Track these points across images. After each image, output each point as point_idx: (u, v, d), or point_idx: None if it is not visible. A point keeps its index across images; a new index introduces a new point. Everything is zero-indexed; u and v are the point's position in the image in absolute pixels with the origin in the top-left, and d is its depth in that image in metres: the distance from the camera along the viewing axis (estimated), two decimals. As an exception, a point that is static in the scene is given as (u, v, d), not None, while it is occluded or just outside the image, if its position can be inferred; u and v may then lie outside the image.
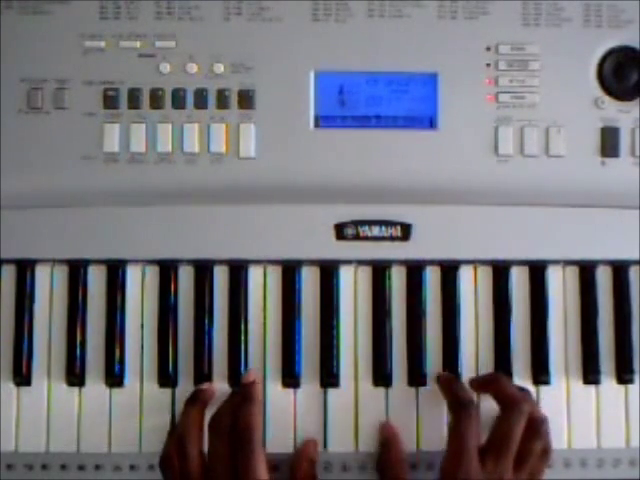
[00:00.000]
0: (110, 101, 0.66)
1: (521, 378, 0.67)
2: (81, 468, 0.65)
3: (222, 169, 0.66)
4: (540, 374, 0.67)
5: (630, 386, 0.67)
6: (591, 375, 0.67)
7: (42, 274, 0.67)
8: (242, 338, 0.67)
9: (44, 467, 0.65)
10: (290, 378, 0.66)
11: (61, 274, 0.67)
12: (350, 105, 0.67)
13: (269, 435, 0.66)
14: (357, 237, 0.67)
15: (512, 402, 0.62)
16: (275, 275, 0.67)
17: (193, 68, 0.66)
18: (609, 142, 0.67)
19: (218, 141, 0.66)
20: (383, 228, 0.67)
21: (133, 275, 0.67)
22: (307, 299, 0.67)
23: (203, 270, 0.67)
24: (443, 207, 0.67)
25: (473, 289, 0.68)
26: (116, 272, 0.67)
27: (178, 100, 0.66)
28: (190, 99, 0.66)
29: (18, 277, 0.67)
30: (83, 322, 0.67)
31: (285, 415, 0.66)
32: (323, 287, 0.67)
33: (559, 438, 0.66)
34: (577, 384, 0.67)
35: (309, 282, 0.67)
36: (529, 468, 0.62)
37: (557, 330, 0.68)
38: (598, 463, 0.66)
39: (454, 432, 0.62)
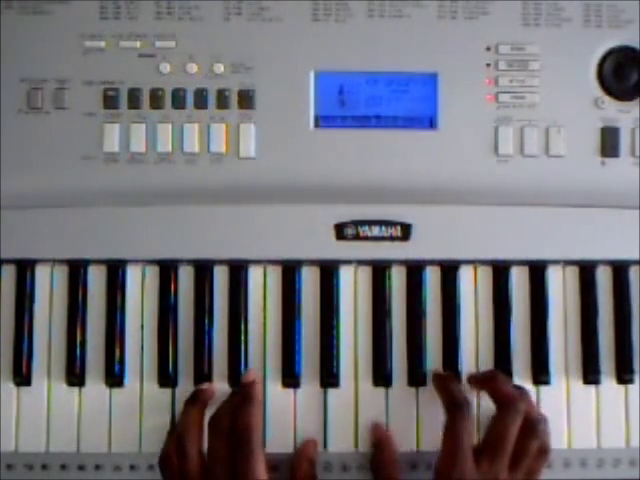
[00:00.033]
0: (110, 101, 0.66)
1: (521, 378, 0.67)
2: (81, 468, 0.65)
3: (222, 169, 0.66)
4: (540, 374, 0.67)
5: (630, 386, 0.67)
6: (591, 375, 0.67)
7: (42, 274, 0.67)
8: (242, 338, 0.67)
9: (44, 467, 0.65)
10: (290, 378, 0.66)
11: (61, 274, 0.67)
12: (350, 105, 0.67)
13: (269, 435, 0.66)
14: (357, 237, 0.67)
15: (508, 401, 0.62)
16: (275, 275, 0.67)
17: (193, 68, 0.66)
18: (609, 142, 0.67)
19: (218, 141, 0.66)
20: (383, 228, 0.67)
21: (133, 275, 0.67)
22: (307, 299, 0.67)
23: (203, 270, 0.67)
24: (443, 207, 0.67)
25: (473, 289, 0.68)
26: (116, 272, 0.67)
27: (178, 100, 0.66)
28: (190, 99, 0.66)
29: (18, 277, 0.67)
30: (83, 322, 0.67)
31: (285, 415, 0.66)
32: (323, 287, 0.67)
33: (559, 438, 0.66)
34: (577, 384, 0.67)
35: (309, 282, 0.67)
36: (525, 468, 0.61)
37: (557, 330, 0.68)
38: (598, 463, 0.66)
39: (448, 432, 0.61)
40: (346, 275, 0.68)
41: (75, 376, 0.66)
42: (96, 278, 0.67)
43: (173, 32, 0.66)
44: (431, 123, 0.67)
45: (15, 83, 0.66)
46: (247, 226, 0.67)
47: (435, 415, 0.65)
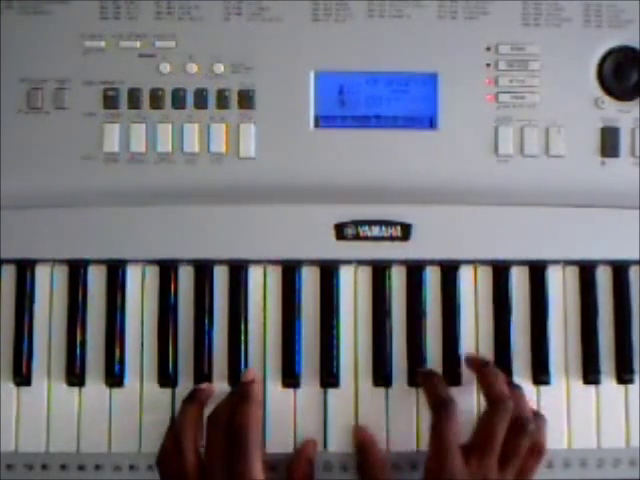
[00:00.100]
0: (110, 101, 0.66)
1: (521, 378, 0.67)
2: (81, 468, 0.65)
3: (222, 169, 0.66)
4: (540, 374, 0.67)
5: (630, 386, 0.67)
6: (591, 375, 0.67)
7: (42, 274, 0.67)
8: (242, 338, 0.67)
9: (44, 467, 0.65)
10: (290, 378, 0.66)
11: (61, 274, 0.67)
12: (350, 105, 0.67)
13: (269, 435, 0.66)
14: (357, 237, 0.67)
15: (497, 399, 0.62)
16: (275, 275, 0.67)
17: (193, 68, 0.66)
18: (609, 142, 0.67)
19: (218, 141, 0.66)
20: (383, 228, 0.67)
21: (133, 275, 0.67)
22: (307, 299, 0.67)
23: (203, 270, 0.67)
24: (443, 207, 0.67)
25: (473, 289, 0.68)
26: (116, 272, 0.67)
27: (178, 100, 0.66)
28: (190, 99, 0.66)
29: (18, 277, 0.67)
30: (83, 322, 0.67)
31: (285, 415, 0.66)
32: (323, 287, 0.67)
33: (559, 438, 0.66)
34: (577, 384, 0.67)
35: (309, 282, 0.67)
36: (515, 467, 0.61)
37: (557, 330, 0.68)
38: (598, 463, 0.66)
39: (435, 431, 0.61)
40: (346, 275, 0.68)
41: (75, 376, 0.66)
42: (96, 278, 0.67)
43: (173, 32, 0.66)
44: (431, 123, 0.67)
45: (15, 83, 0.66)
46: (247, 226, 0.67)
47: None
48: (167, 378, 0.66)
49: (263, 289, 0.67)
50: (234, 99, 0.66)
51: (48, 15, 0.66)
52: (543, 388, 0.67)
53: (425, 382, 0.65)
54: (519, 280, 0.68)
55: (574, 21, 0.67)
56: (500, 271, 0.68)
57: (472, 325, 0.68)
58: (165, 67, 0.66)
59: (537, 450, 0.63)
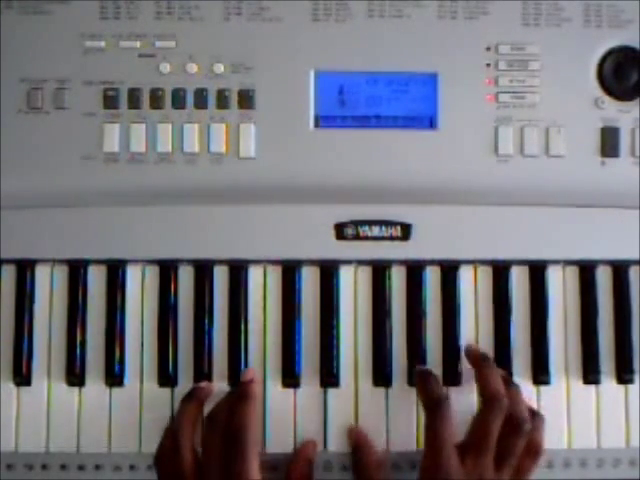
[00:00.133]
0: (110, 101, 0.66)
1: (521, 378, 0.67)
2: (81, 468, 0.65)
3: (222, 169, 0.66)
4: (540, 374, 0.67)
5: (630, 386, 0.67)
6: (591, 375, 0.67)
7: (42, 274, 0.67)
8: (242, 338, 0.67)
9: (44, 467, 0.65)
10: (290, 378, 0.66)
11: (61, 274, 0.67)
12: (350, 105, 0.67)
13: (269, 435, 0.66)
14: (357, 237, 0.67)
15: (491, 397, 0.62)
16: (275, 275, 0.67)
17: (193, 68, 0.66)
18: (609, 142, 0.67)
19: (218, 141, 0.66)
20: (383, 228, 0.67)
21: (133, 275, 0.67)
22: (307, 299, 0.67)
23: (203, 270, 0.67)
24: (443, 207, 0.67)
25: (473, 289, 0.68)
26: (116, 272, 0.67)
27: (178, 100, 0.66)
28: (190, 99, 0.66)
29: (18, 277, 0.67)
30: (83, 322, 0.67)
31: (285, 415, 0.66)
32: (323, 287, 0.67)
33: (559, 438, 0.66)
34: (577, 384, 0.67)
35: (309, 282, 0.67)
36: (512, 467, 0.61)
37: (557, 330, 0.68)
38: (598, 463, 0.66)
39: (429, 431, 0.61)
40: (346, 275, 0.68)
41: (75, 376, 0.66)
42: (96, 278, 0.67)
43: (173, 32, 0.66)
44: (431, 123, 0.67)
45: (15, 83, 0.66)
46: (247, 226, 0.67)
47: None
48: (167, 378, 0.66)
49: (263, 289, 0.67)
50: (234, 99, 0.66)
51: (48, 15, 0.66)
52: (543, 388, 0.67)
53: (419, 381, 0.65)
54: (519, 280, 0.68)
55: (574, 21, 0.67)
56: (500, 271, 0.68)
57: (472, 325, 0.68)
58: (165, 67, 0.66)
59: (534, 450, 0.62)
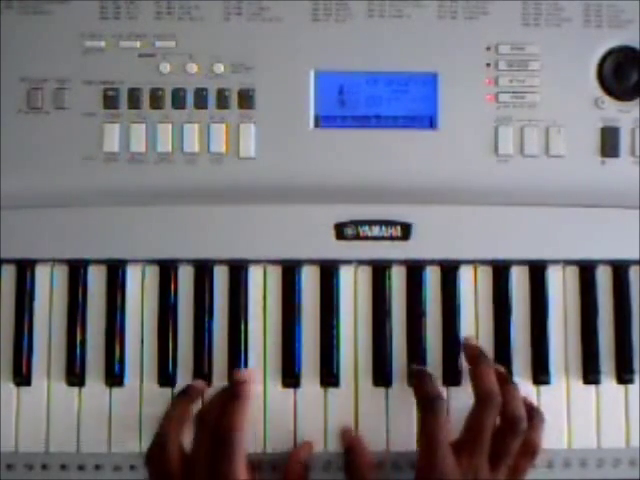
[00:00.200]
0: (110, 101, 0.66)
1: (521, 378, 0.67)
2: (81, 468, 0.65)
3: (222, 169, 0.66)
4: (540, 374, 0.67)
5: (630, 386, 0.67)
6: (591, 375, 0.67)
7: (42, 274, 0.67)
8: (242, 338, 0.67)
9: (44, 467, 0.65)
10: (290, 378, 0.66)
11: (61, 274, 0.67)
12: (350, 105, 0.67)
13: (269, 435, 0.66)
14: (357, 237, 0.67)
15: (484, 395, 0.62)
16: (275, 275, 0.67)
17: (193, 68, 0.66)
18: (609, 142, 0.67)
19: (218, 141, 0.66)
20: (383, 228, 0.67)
21: (133, 275, 0.67)
22: (307, 299, 0.67)
23: (203, 270, 0.67)
24: (443, 207, 0.67)
25: (473, 289, 0.68)
26: (116, 272, 0.67)
27: (178, 100, 0.66)
28: (190, 99, 0.66)
29: (18, 277, 0.67)
30: (83, 322, 0.67)
31: (285, 415, 0.66)
32: (323, 287, 0.67)
33: (559, 438, 0.66)
34: (577, 384, 0.67)
35: (309, 282, 0.67)
36: (507, 466, 0.61)
37: (557, 330, 0.68)
38: (598, 463, 0.66)
39: (424, 430, 0.61)
40: (346, 275, 0.68)
41: (75, 376, 0.66)
42: (96, 278, 0.67)
43: (173, 32, 0.66)
44: (431, 123, 0.67)
45: (15, 83, 0.66)
46: (247, 226, 0.67)
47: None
48: (167, 378, 0.66)
49: (263, 289, 0.67)
50: (234, 99, 0.66)
51: (48, 15, 0.66)
52: (543, 388, 0.67)
53: (414, 380, 0.65)
54: (519, 280, 0.68)
55: (574, 21, 0.67)
56: (500, 271, 0.68)
57: (472, 325, 0.68)
58: (165, 67, 0.66)
59: (530, 449, 0.62)
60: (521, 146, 0.67)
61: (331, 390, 0.66)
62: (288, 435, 0.66)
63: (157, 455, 0.61)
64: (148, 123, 0.66)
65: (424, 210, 0.67)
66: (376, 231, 0.67)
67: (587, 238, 0.67)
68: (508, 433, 0.61)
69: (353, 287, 0.68)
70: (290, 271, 0.67)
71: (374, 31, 0.67)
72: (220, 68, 0.66)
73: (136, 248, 0.66)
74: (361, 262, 0.68)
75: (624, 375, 0.67)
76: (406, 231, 0.67)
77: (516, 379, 0.66)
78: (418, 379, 0.65)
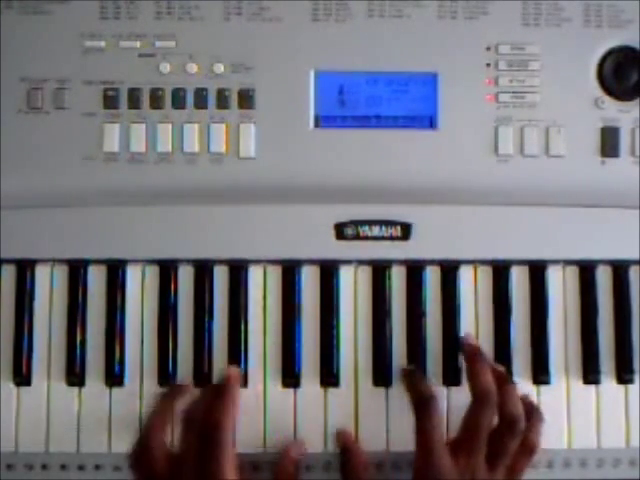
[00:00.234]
0: (110, 101, 0.66)
1: (521, 378, 0.67)
2: (81, 468, 0.65)
3: (222, 169, 0.66)
4: (540, 374, 0.67)
5: (630, 386, 0.67)
6: (591, 375, 0.67)
7: (42, 274, 0.67)
8: (242, 338, 0.67)
9: (44, 467, 0.65)
10: (290, 378, 0.66)
11: (61, 274, 0.67)
12: (350, 105, 0.67)
13: (269, 435, 0.66)
14: (357, 237, 0.67)
15: (480, 394, 0.62)
16: (275, 275, 0.67)
17: (193, 68, 0.66)
18: (609, 142, 0.67)
19: (218, 141, 0.66)
20: (383, 228, 0.67)
21: (133, 275, 0.67)
22: (307, 299, 0.67)
23: (203, 270, 0.67)
24: (443, 207, 0.67)
25: (473, 289, 0.68)
26: (116, 272, 0.67)
27: (178, 100, 0.66)
28: (190, 99, 0.66)
29: (18, 277, 0.67)
30: (83, 322, 0.67)
31: (285, 415, 0.66)
32: (323, 287, 0.67)
33: (559, 438, 0.66)
34: (577, 384, 0.67)
35: (309, 282, 0.67)
36: (505, 466, 0.61)
37: (557, 330, 0.68)
38: (598, 463, 0.66)
39: (419, 431, 0.61)
40: (346, 275, 0.68)
41: (75, 376, 0.66)
42: (96, 278, 0.67)
43: (173, 32, 0.66)
44: (431, 123, 0.67)
45: (15, 83, 0.66)
46: (247, 226, 0.67)
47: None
48: (167, 378, 0.66)
49: (263, 289, 0.67)
50: (234, 99, 0.66)
51: (48, 15, 0.66)
52: (543, 388, 0.67)
53: (406, 381, 0.65)
54: (519, 280, 0.68)
55: (574, 21, 0.67)
56: (500, 271, 0.68)
57: (472, 325, 0.68)
58: (165, 67, 0.66)
59: (529, 449, 0.62)
60: (521, 146, 0.67)
61: (331, 390, 0.66)
62: (288, 435, 0.66)
63: (142, 456, 0.60)
64: (148, 123, 0.66)
65: (424, 210, 0.67)
66: (376, 231, 0.67)
67: (587, 238, 0.67)
68: (506, 433, 0.61)
69: (353, 287, 0.68)
70: (290, 271, 0.67)
71: (374, 31, 0.67)
72: (220, 68, 0.66)
73: (136, 248, 0.66)
74: (361, 262, 0.68)
75: (624, 375, 0.67)
76: (406, 231, 0.67)
77: (516, 379, 0.66)
78: (410, 380, 0.65)
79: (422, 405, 0.62)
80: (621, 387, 0.67)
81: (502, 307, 0.68)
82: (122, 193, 0.66)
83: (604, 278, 0.68)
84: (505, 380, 0.64)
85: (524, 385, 0.66)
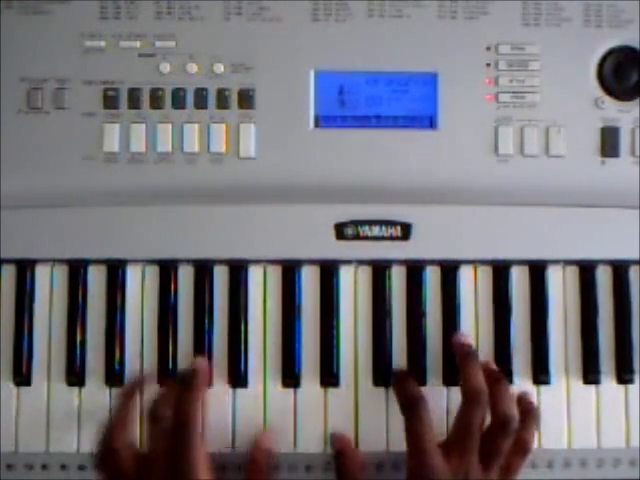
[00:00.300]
0: (110, 101, 0.66)
1: (521, 378, 0.67)
2: (81, 468, 0.65)
3: (222, 169, 0.66)
4: (540, 374, 0.67)
5: (630, 386, 0.67)
6: (591, 375, 0.67)
7: (42, 274, 0.67)
8: (242, 338, 0.67)
9: (44, 467, 0.65)
10: (290, 378, 0.66)
11: (61, 274, 0.67)
12: (350, 105, 0.67)
13: (269, 435, 0.66)
14: (357, 237, 0.67)
15: (470, 394, 0.61)
16: (275, 275, 0.67)
17: (193, 68, 0.66)
18: (609, 142, 0.67)
19: (218, 141, 0.66)
20: (383, 228, 0.67)
21: (133, 275, 0.67)
22: (307, 299, 0.67)
23: (203, 270, 0.67)
24: (443, 207, 0.67)
25: (473, 289, 0.68)
26: (116, 272, 0.67)
27: (178, 100, 0.66)
28: (190, 99, 0.66)
29: (18, 277, 0.67)
30: (83, 322, 0.67)
31: (285, 415, 0.66)
32: (323, 287, 0.67)
33: (559, 438, 0.66)
34: (577, 384, 0.67)
35: (309, 282, 0.67)
36: (499, 466, 0.61)
37: (557, 330, 0.68)
38: (598, 463, 0.66)
39: (410, 433, 0.61)
40: (346, 275, 0.68)
41: (75, 376, 0.66)
42: (96, 278, 0.67)
43: (173, 32, 0.66)
44: (431, 123, 0.67)
45: (15, 83, 0.66)
46: (247, 226, 0.67)
47: (435, 415, 0.65)
48: (167, 378, 0.66)
49: (263, 289, 0.67)
50: (234, 99, 0.66)
51: (48, 15, 0.66)
52: (543, 388, 0.67)
53: (394, 382, 0.65)
54: (519, 280, 0.68)
55: (574, 21, 0.67)
56: (500, 271, 0.68)
57: (472, 325, 0.68)
58: (165, 67, 0.66)
59: (522, 448, 0.62)
60: (521, 146, 0.67)
61: (331, 390, 0.66)
62: (288, 435, 0.66)
63: (107, 457, 0.60)
64: (148, 123, 0.66)
65: (424, 210, 0.67)
66: (376, 231, 0.67)
67: (587, 238, 0.67)
68: (499, 432, 0.61)
69: (353, 287, 0.68)
70: (290, 271, 0.67)
71: (374, 31, 0.67)
72: (220, 68, 0.66)
73: (136, 248, 0.66)
74: (361, 262, 0.68)
75: (624, 375, 0.67)
76: (406, 231, 0.67)
77: (516, 379, 0.66)
78: (399, 382, 0.65)
79: (412, 407, 0.62)
80: (621, 387, 0.67)
81: (502, 307, 0.68)
82: (122, 193, 0.66)
83: (604, 278, 0.68)
84: (498, 379, 0.64)
85: (524, 385, 0.66)
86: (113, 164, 0.66)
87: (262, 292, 0.67)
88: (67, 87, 0.66)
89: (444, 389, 0.66)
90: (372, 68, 0.67)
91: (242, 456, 0.64)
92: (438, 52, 0.67)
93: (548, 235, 0.67)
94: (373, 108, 0.67)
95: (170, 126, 0.66)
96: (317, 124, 0.67)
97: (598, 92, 0.67)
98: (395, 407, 0.65)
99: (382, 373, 0.66)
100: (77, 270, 0.67)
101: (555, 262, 0.68)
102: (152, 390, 0.64)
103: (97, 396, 0.66)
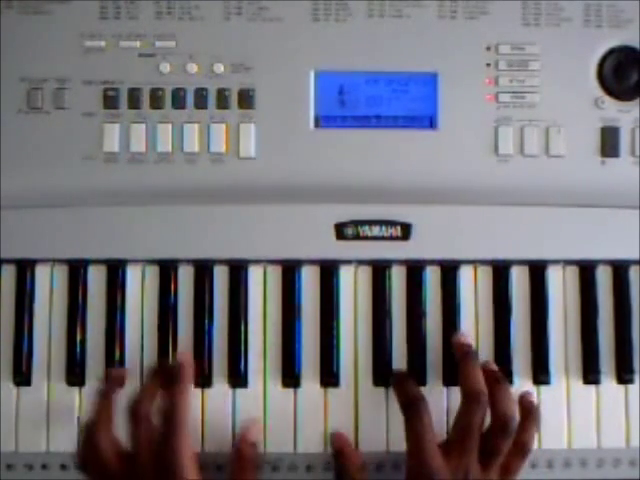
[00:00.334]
0: (110, 101, 0.66)
1: (521, 378, 0.67)
2: (81, 468, 0.65)
3: (222, 169, 0.66)
4: (540, 374, 0.67)
5: (630, 386, 0.67)
6: (591, 375, 0.67)
7: (42, 274, 0.67)
8: (242, 338, 0.67)
9: (44, 467, 0.65)
10: (290, 378, 0.66)
11: (61, 274, 0.67)
12: (350, 105, 0.67)
13: (269, 435, 0.66)
14: (357, 237, 0.67)
15: (469, 394, 0.61)
16: (275, 275, 0.67)
17: (193, 68, 0.66)
18: (609, 142, 0.67)
19: (218, 141, 0.66)
20: (383, 228, 0.67)
21: (133, 275, 0.67)
22: (307, 299, 0.67)
23: (203, 270, 0.67)
24: (443, 207, 0.67)
25: (473, 289, 0.68)
26: (116, 272, 0.67)
27: (178, 100, 0.66)
28: (190, 99, 0.66)
29: (18, 277, 0.67)
30: (83, 322, 0.67)
31: (285, 415, 0.66)
32: (323, 287, 0.67)
33: (559, 438, 0.66)
34: (577, 384, 0.67)
35: (309, 282, 0.67)
36: (498, 466, 0.61)
37: (557, 330, 0.68)
38: (598, 463, 0.66)
39: (409, 433, 0.61)
40: (346, 275, 0.68)
41: (75, 376, 0.66)
42: (96, 278, 0.67)
43: (173, 32, 0.66)
44: (431, 123, 0.67)
45: (15, 83, 0.66)
46: (247, 226, 0.67)
47: (435, 415, 0.65)
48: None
49: (263, 289, 0.67)
50: (234, 99, 0.66)
51: (48, 15, 0.66)
52: (543, 388, 0.67)
53: (394, 382, 0.65)
54: (519, 280, 0.68)
55: (574, 21, 0.67)
56: (500, 271, 0.68)
57: (472, 325, 0.68)
58: (165, 67, 0.66)
59: (522, 449, 0.62)
60: (521, 146, 0.67)
61: (331, 390, 0.66)
62: (288, 435, 0.66)
63: (90, 457, 0.59)
64: (148, 123, 0.66)
65: (424, 210, 0.67)
66: (376, 231, 0.67)
67: (587, 238, 0.67)
68: (498, 432, 0.61)
69: (353, 287, 0.68)
70: (290, 271, 0.67)
71: (374, 31, 0.67)
72: (220, 68, 0.66)
73: (136, 248, 0.66)
74: (361, 262, 0.68)
75: (624, 375, 0.67)
76: (406, 231, 0.67)
77: (516, 379, 0.66)
78: (398, 382, 0.65)
79: (412, 407, 0.62)
80: (621, 387, 0.67)
81: (502, 307, 0.68)
82: (122, 193, 0.66)
83: (604, 278, 0.68)
84: (498, 379, 0.64)
85: (524, 385, 0.66)
86: (113, 164, 0.66)
87: (262, 292, 0.67)
88: (67, 87, 0.66)
89: (444, 389, 0.66)
90: (372, 68, 0.67)
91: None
92: (438, 52, 0.67)
93: (548, 235, 0.67)
94: (373, 108, 0.67)
95: (170, 126, 0.66)
96: (317, 124, 0.67)
97: (598, 92, 0.67)
98: (395, 407, 0.65)
99: (382, 373, 0.66)
100: (77, 270, 0.67)
101: (555, 262, 0.68)
102: (133, 386, 0.64)
103: (97, 396, 0.66)
